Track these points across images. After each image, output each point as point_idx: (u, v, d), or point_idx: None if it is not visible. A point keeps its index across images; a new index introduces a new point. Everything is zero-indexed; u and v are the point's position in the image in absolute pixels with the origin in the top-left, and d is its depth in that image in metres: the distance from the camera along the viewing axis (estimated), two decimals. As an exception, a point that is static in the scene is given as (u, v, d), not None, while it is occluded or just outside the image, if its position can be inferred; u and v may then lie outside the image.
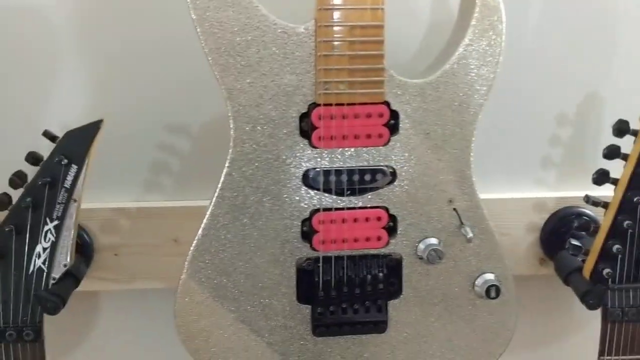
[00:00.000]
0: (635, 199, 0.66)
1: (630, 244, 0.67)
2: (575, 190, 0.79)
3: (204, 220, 0.63)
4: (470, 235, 0.64)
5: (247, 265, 0.64)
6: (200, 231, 0.63)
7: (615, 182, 0.67)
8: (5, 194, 0.64)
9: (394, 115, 0.63)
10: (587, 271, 0.68)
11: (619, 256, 0.67)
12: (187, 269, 0.64)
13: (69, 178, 0.63)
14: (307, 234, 0.64)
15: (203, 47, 0.59)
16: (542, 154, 0.81)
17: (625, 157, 0.66)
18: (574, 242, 0.70)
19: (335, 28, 0.59)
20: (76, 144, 0.63)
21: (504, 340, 0.69)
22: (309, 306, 0.66)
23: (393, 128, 0.63)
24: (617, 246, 0.67)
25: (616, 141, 0.66)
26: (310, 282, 0.65)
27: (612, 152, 0.67)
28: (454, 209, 0.65)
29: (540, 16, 0.77)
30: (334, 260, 0.65)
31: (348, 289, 0.65)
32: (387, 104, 0.62)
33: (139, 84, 0.75)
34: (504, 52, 0.62)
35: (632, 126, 0.66)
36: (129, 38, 0.74)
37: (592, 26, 0.78)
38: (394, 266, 0.66)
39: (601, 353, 0.69)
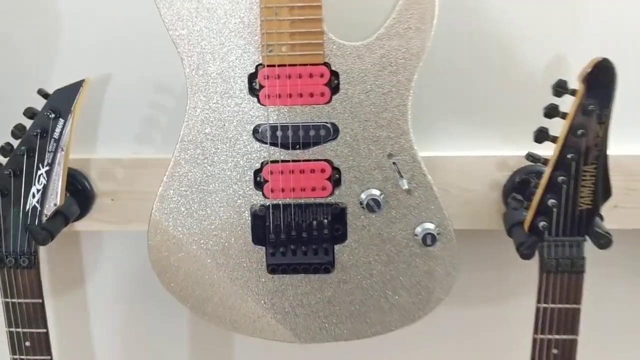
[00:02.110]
0: (569, 156, 0.69)
1: (565, 198, 0.70)
2: (538, 149, 0.82)
3: (168, 167, 0.72)
4: (406, 187, 0.70)
5: (207, 209, 0.73)
6: (165, 177, 0.72)
7: (554, 139, 0.70)
8: (8, 143, 0.75)
9: (335, 75, 0.69)
10: (526, 224, 0.72)
11: (554, 210, 0.71)
12: (155, 209, 0.73)
13: (57, 130, 0.73)
14: (259, 183, 0.72)
15: (163, 19, 0.67)
16: (506, 115, 0.84)
17: (564, 116, 0.69)
18: (517, 196, 0.74)
19: (277, -5, 0.66)
20: (63, 101, 0.73)
21: (445, 286, 0.74)
22: (263, 247, 0.73)
23: (334, 87, 0.69)
24: (552, 200, 0.70)
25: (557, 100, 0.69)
26: (262, 226, 0.73)
27: (551, 111, 0.70)
28: (393, 163, 0.71)
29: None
30: (283, 207, 0.72)
31: (296, 233, 0.72)
32: (327, 65, 0.68)
33: (132, 49, 0.84)
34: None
35: (572, 86, 0.69)
36: (126, 7, 0.82)
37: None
38: (338, 214, 0.72)
39: (538, 301, 0.73)
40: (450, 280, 0.74)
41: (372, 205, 0.71)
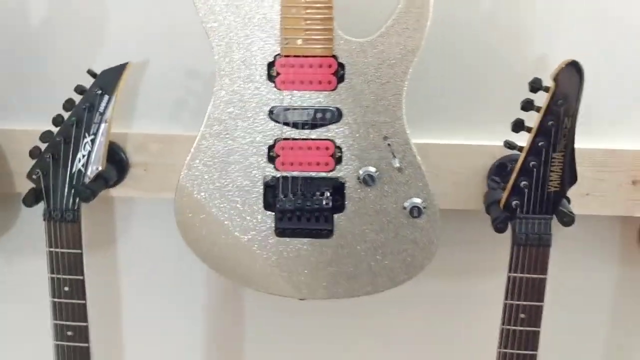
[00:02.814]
0: (540, 144, 0.80)
1: (536, 181, 0.81)
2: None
3: (196, 140, 0.84)
4: (397, 165, 0.81)
5: (227, 177, 0.85)
6: (192, 149, 0.84)
7: (529, 130, 0.81)
8: (59, 115, 0.87)
9: (341, 66, 0.80)
10: (502, 202, 0.83)
11: (526, 191, 0.82)
12: (182, 176, 0.85)
13: (102, 104, 0.86)
14: (272, 157, 0.84)
15: (198, 12, 0.79)
16: (495, 109, 0.95)
17: (538, 109, 0.80)
18: (495, 178, 0.85)
19: (295, -3, 0.78)
20: (108, 80, 0.86)
21: (428, 254, 0.85)
22: (272, 213, 0.85)
23: (340, 77, 0.81)
24: (524, 182, 0.81)
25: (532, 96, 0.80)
26: (273, 194, 0.85)
27: (527, 105, 0.81)
28: (388, 144, 0.82)
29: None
30: (292, 179, 0.84)
31: (301, 202, 0.84)
32: (335, 57, 0.80)
33: (169, 38, 0.96)
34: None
35: (545, 83, 0.80)
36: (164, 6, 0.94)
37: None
38: (338, 187, 0.84)
39: (509, 271, 0.84)
40: (432, 249, 0.85)
41: (368, 180, 0.82)
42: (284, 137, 0.82)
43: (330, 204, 0.84)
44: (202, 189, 0.85)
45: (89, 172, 0.86)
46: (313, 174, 0.84)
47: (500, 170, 0.89)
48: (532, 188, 0.81)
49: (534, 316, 0.85)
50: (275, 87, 0.81)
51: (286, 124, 0.82)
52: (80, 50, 0.97)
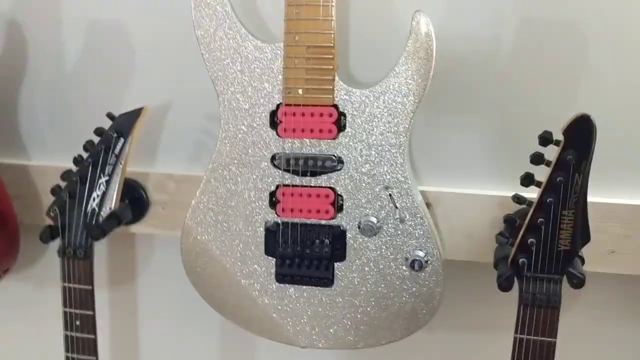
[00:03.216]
0: (548, 200, 0.76)
1: (544, 238, 0.77)
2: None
3: (201, 184, 0.85)
4: (397, 216, 0.80)
5: (230, 220, 0.86)
6: (197, 192, 0.86)
7: (539, 184, 0.78)
8: (80, 155, 0.91)
9: (343, 115, 0.80)
10: (509, 259, 0.80)
11: (533, 249, 0.78)
12: (188, 218, 0.87)
13: (118, 147, 0.89)
14: (274, 202, 0.84)
15: (205, 63, 0.81)
16: (514, 159, 0.91)
17: (548, 164, 0.77)
18: (504, 233, 0.82)
19: (296, 48, 0.78)
20: (125, 123, 0.89)
21: (431, 309, 0.83)
22: (273, 258, 0.85)
23: (341, 125, 0.80)
24: (531, 239, 0.78)
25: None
26: (273, 240, 0.85)
27: (536, 159, 0.78)
28: (389, 195, 0.81)
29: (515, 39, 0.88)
30: (292, 225, 0.84)
31: (301, 249, 0.84)
32: (336, 106, 0.80)
33: (190, 82, 0.99)
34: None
35: (556, 136, 0.76)
36: (184, 50, 0.98)
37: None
38: (338, 235, 0.83)
39: (515, 332, 0.80)
40: (435, 304, 0.82)
41: (367, 230, 0.81)
42: (285, 183, 0.83)
43: (330, 252, 0.83)
44: (206, 231, 0.86)
45: (102, 212, 0.89)
46: (313, 221, 0.83)
47: (510, 225, 0.85)
48: (541, 246, 0.78)
49: (544, 381, 0.80)
50: (277, 134, 0.82)
51: (287, 170, 0.82)
52: (108, 93, 1.02)
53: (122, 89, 1.02)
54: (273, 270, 0.85)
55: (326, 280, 0.84)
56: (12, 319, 1.18)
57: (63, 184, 0.91)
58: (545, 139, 0.77)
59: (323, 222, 0.83)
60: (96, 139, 0.91)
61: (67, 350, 0.92)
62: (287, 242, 0.84)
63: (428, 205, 0.89)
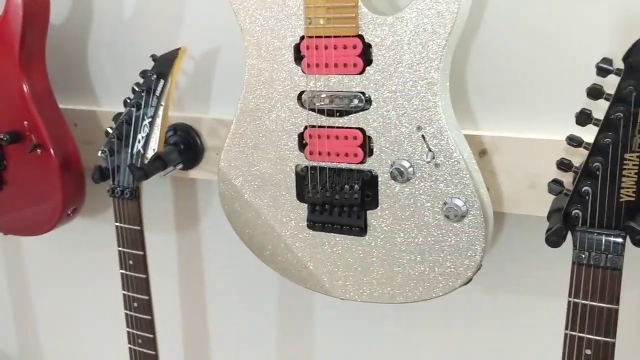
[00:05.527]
0: (605, 140, 0.63)
1: (602, 187, 0.65)
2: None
3: (232, 125, 0.82)
4: (428, 160, 0.71)
5: (260, 164, 0.82)
6: (228, 135, 0.83)
7: (598, 123, 0.65)
8: (129, 98, 0.92)
9: (368, 47, 0.72)
10: (564, 212, 0.68)
11: (589, 198, 0.66)
12: (222, 159, 0.84)
13: (159, 88, 0.88)
14: (303, 145, 0.79)
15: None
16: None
17: (608, 98, 0.64)
18: (557, 179, 0.70)
19: (316, -28, 0.71)
20: (164, 64, 0.88)
21: (472, 263, 0.73)
22: (305, 204, 0.80)
23: (367, 59, 0.72)
24: (585, 187, 0.65)
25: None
26: (304, 185, 0.80)
27: (594, 92, 0.65)
28: (422, 136, 0.72)
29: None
30: (320, 170, 0.78)
31: (331, 195, 0.78)
32: (360, 37, 0.72)
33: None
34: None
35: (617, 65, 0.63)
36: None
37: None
38: (368, 181, 0.76)
39: (569, 294, 0.69)
40: (476, 259, 0.73)
41: (397, 176, 0.73)
42: (312, 124, 0.77)
43: (360, 198, 0.76)
44: (239, 174, 0.84)
45: (147, 153, 0.90)
46: (343, 166, 0.77)
47: (563, 171, 0.72)
48: (598, 195, 0.65)
49: (603, 354, 0.68)
50: (302, 70, 0.76)
51: (313, 110, 0.76)
52: (164, 37, 1.01)
53: (177, 34, 1.01)
54: (305, 217, 0.81)
55: (358, 229, 0.77)
56: (81, 257, 1.24)
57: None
58: (604, 67, 0.63)
59: (353, 166, 0.76)
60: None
61: (123, 289, 0.95)
62: (317, 187, 0.78)
63: (483, 152, 0.79)
